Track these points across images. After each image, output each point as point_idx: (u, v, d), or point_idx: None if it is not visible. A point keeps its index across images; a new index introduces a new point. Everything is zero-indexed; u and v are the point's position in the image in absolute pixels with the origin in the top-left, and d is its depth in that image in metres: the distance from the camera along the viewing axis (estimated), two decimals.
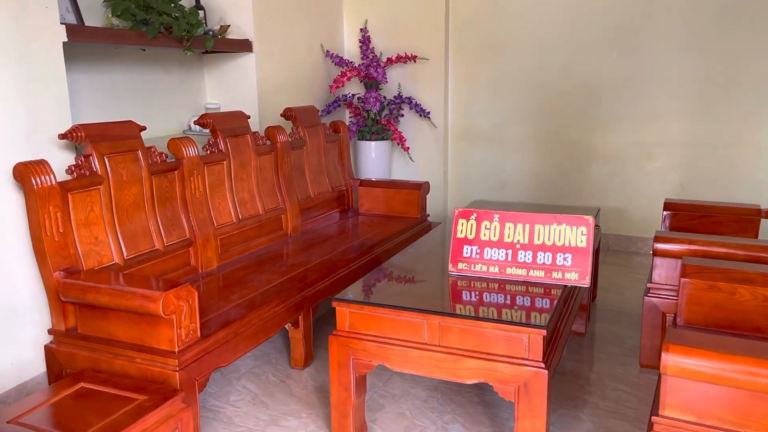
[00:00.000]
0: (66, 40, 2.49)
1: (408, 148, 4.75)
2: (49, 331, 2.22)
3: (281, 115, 3.72)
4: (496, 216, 2.31)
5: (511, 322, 1.90)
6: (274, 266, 2.93)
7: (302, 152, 3.72)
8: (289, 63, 4.21)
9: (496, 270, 2.28)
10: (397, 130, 4.71)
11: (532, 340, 1.88)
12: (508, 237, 2.29)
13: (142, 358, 2.05)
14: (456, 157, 4.94)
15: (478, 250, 2.30)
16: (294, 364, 2.76)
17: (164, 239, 2.66)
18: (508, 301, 2.11)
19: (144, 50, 3.43)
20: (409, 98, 4.71)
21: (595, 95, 4.45)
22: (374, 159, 4.72)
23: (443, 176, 4.92)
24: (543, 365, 1.88)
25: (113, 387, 1.87)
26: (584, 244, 2.22)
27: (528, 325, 1.88)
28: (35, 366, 2.37)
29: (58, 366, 2.20)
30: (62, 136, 2.32)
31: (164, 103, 3.66)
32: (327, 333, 3.02)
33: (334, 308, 2.12)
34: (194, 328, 2.09)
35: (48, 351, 2.21)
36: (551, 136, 4.62)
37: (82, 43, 2.70)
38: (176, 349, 2.02)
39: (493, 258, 2.29)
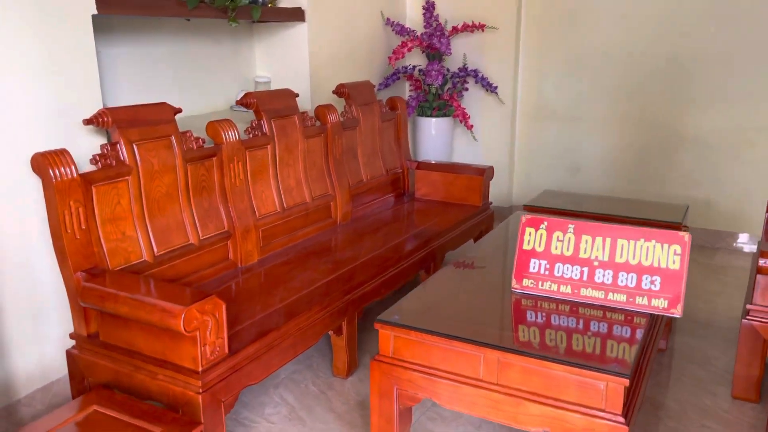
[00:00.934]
0: (95, 12, 2.27)
1: (471, 126, 4.38)
2: (71, 336, 2.05)
3: (333, 92, 3.43)
4: (571, 226, 1.97)
5: (586, 366, 1.58)
6: (319, 261, 2.69)
7: (355, 133, 3.43)
8: (344, 33, 3.90)
9: (568, 290, 1.95)
10: (460, 106, 4.34)
11: (611, 390, 1.56)
12: (585, 252, 1.94)
13: (164, 375, 1.85)
14: (524, 138, 4.54)
15: (548, 266, 1.97)
16: (336, 373, 2.53)
17: (200, 233, 2.45)
18: (582, 331, 1.79)
19: (189, 20, 3.19)
20: (474, 71, 4.32)
21: (686, 72, 3.93)
22: (434, 137, 4.39)
23: (509, 158, 4.53)
24: (623, 420, 1.56)
25: (127, 413, 1.67)
26: (677, 266, 1.85)
27: (607, 371, 1.56)
28: (60, 367, 2.22)
29: (80, 373, 2.04)
30: (87, 122, 2.12)
31: (212, 76, 3.42)
32: (372, 337, 2.78)
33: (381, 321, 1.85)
34: (221, 343, 1.87)
35: (70, 357, 2.05)
36: (633, 116, 4.15)
37: (114, 15, 2.48)
38: (200, 369, 1.81)
39: (565, 276, 1.95)
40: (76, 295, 1.97)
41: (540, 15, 4.30)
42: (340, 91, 3.42)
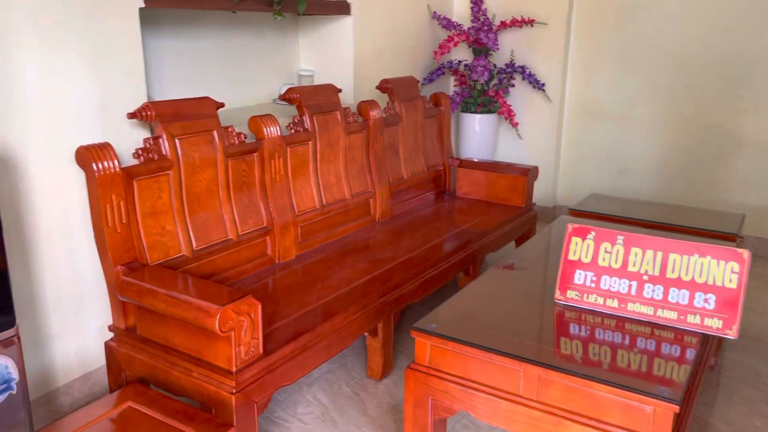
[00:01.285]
0: (143, 5, 2.27)
1: (517, 123, 4.28)
2: (110, 328, 2.07)
3: (377, 87, 3.38)
4: (620, 238, 1.88)
5: (632, 389, 1.50)
6: (356, 260, 2.65)
7: (397, 129, 3.38)
8: (390, 26, 3.84)
9: (615, 304, 1.86)
10: (506, 102, 4.24)
11: (659, 415, 1.48)
12: (634, 265, 1.85)
13: (199, 373, 1.85)
14: (571, 136, 4.41)
15: (594, 278, 1.89)
16: (370, 374, 2.50)
17: (239, 228, 2.44)
18: (628, 348, 1.71)
19: (234, 12, 3.18)
20: (522, 67, 4.21)
21: (744, 72, 3.75)
22: (478, 133, 4.30)
23: (555, 157, 4.41)
24: None
25: (161, 412, 1.67)
26: (734, 285, 1.75)
27: (655, 396, 1.48)
28: (99, 357, 2.25)
29: (117, 366, 2.06)
30: (131, 116, 2.12)
31: (255, 69, 3.41)
32: (408, 338, 2.74)
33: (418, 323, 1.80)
34: (256, 344, 1.85)
35: (108, 349, 2.07)
36: (687, 117, 3.98)
37: (162, 8, 2.48)
38: (234, 369, 1.79)
39: (612, 289, 1.87)
40: (115, 289, 1.98)
41: (591, 11, 4.15)
42: (384, 86, 3.37)
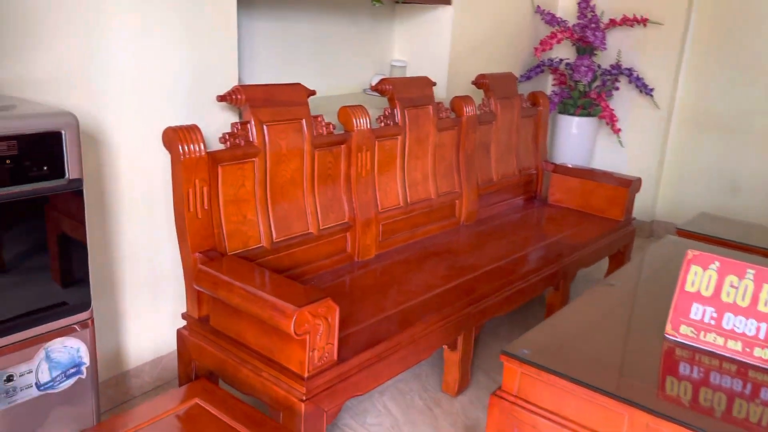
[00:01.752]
0: None
1: (619, 129, 3.98)
2: (183, 316, 2.01)
3: (473, 82, 3.20)
4: (751, 272, 1.63)
5: None
6: (438, 265, 2.50)
7: (491, 128, 3.19)
8: (490, 19, 3.64)
9: (738, 347, 1.62)
10: (608, 106, 3.95)
11: None
12: (766, 305, 1.61)
13: (269, 374, 1.76)
14: (677, 147, 4.07)
15: (715, 314, 1.66)
16: (445, 388, 2.35)
17: (320, 222, 2.34)
18: (750, 398, 1.47)
19: None
20: (629, 69, 3.91)
21: None
22: (575, 137, 4.04)
23: (657, 169, 4.08)
24: None
25: (228, 413, 1.58)
26: None
27: None
28: (171, 342, 2.21)
29: (188, 355, 2.00)
30: (221, 98, 2.05)
31: (347, 57, 3.31)
32: (489, 353, 2.56)
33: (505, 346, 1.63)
34: (330, 350, 1.74)
35: (180, 337, 2.02)
36: None
37: None
38: (306, 374, 1.69)
39: (736, 329, 1.63)
40: (191, 277, 1.92)
41: (715, 11, 3.79)
42: (480, 81, 3.19)
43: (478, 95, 3.23)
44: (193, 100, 2.13)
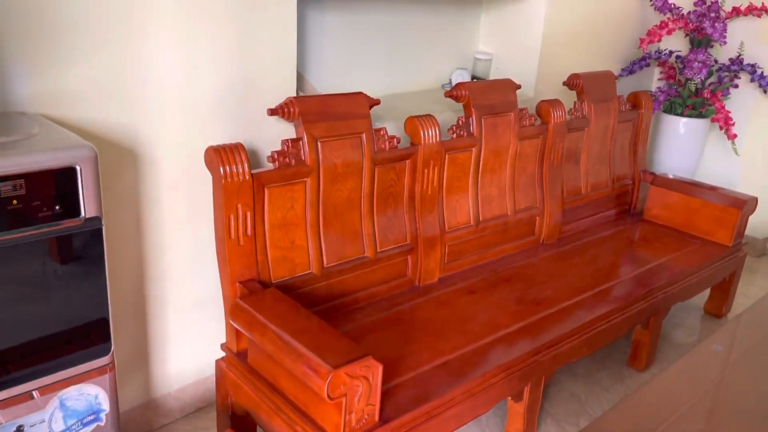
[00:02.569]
0: None
1: (734, 135, 3.49)
2: (222, 347, 1.87)
3: (564, 83, 2.85)
4: None
5: None
6: (508, 296, 2.24)
7: (582, 135, 2.84)
8: (591, 6, 3.24)
9: None
10: (723, 107, 3.46)
11: None
12: None
13: (303, 429, 1.58)
14: None
15: None
16: None
17: (378, 245, 2.13)
18: None
19: None
20: (752, 65, 3.39)
21: None
22: (680, 140, 3.59)
23: None
24: None
25: None
26: None
27: None
28: (213, 367, 2.09)
29: (225, 389, 1.87)
30: (271, 112, 1.86)
31: (426, 49, 3.03)
32: (560, 395, 2.27)
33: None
34: (371, 411, 1.54)
35: (218, 368, 1.89)
36: None
37: None
38: None
39: None
40: (228, 310, 1.77)
41: None
42: (573, 82, 2.83)
43: (569, 96, 2.88)
44: (244, 111, 1.96)
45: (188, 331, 2.04)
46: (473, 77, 3.21)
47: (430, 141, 2.18)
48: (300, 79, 2.43)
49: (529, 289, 2.32)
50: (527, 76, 3.09)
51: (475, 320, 2.08)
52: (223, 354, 1.89)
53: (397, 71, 2.94)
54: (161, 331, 1.97)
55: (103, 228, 1.37)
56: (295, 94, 2.08)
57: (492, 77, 3.27)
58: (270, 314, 1.65)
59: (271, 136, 2.00)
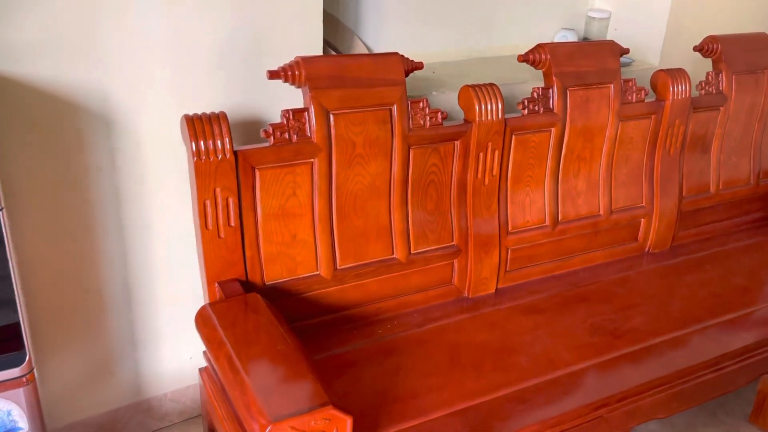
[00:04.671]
0: None
1: None
2: (204, 355, 1.58)
3: (696, 48, 2.20)
4: None
5: None
6: (581, 320, 1.74)
7: (716, 116, 2.20)
8: None
9: None
10: None
11: None
12: None
13: None
14: None
15: None
16: None
17: (411, 244, 1.72)
18: None
19: None
20: None
21: None
22: None
23: None
24: None
25: None
26: None
27: None
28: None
29: (204, 402, 1.58)
30: (272, 75, 1.49)
31: (521, 3, 2.50)
32: None
33: None
34: None
35: (201, 378, 1.60)
36: None
37: None
38: None
39: None
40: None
41: None
42: (708, 46, 2.18)
43: (702, 66, 2.23)
44: (253, 73, 1.62)
45: (186, 328, 1.78)
46: (584, 40, 2.64)
47: (489, 117, 1.71)
48: (348, 36, 2.05)
49: (613, 313, 1.79)
50: (652, 40, 2.47)
51: (527, 351, 1.61)
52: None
53: (482, 31, 2.45)
54: (151, 327, 1.73)
55: (3, 216, 1.10)
56: (321, 53, 1.71)
57: None
58: (233, 329, 1.32)
59: (281, 104, 1.65)
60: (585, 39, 2.67)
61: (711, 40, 2.18)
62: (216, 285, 1.46)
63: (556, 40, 2.56)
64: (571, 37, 2.56)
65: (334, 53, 1.92)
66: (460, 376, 1.51)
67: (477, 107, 1.70)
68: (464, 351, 1.61)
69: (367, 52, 2.09)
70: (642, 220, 2.12)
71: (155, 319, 1.72)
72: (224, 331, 1.30)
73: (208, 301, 1.47)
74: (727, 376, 1.68)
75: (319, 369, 1.46)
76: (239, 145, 1.45)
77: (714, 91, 2.17)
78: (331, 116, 1.52)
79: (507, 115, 1.77)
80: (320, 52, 1.71)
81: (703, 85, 2.15)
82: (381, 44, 2.22)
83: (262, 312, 1.38)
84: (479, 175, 1.76)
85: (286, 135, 1.49)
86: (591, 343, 1.66)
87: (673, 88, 2.03)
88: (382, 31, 2.20)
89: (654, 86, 2.07)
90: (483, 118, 1.70)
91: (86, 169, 1.51)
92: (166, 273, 1.70)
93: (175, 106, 1.54)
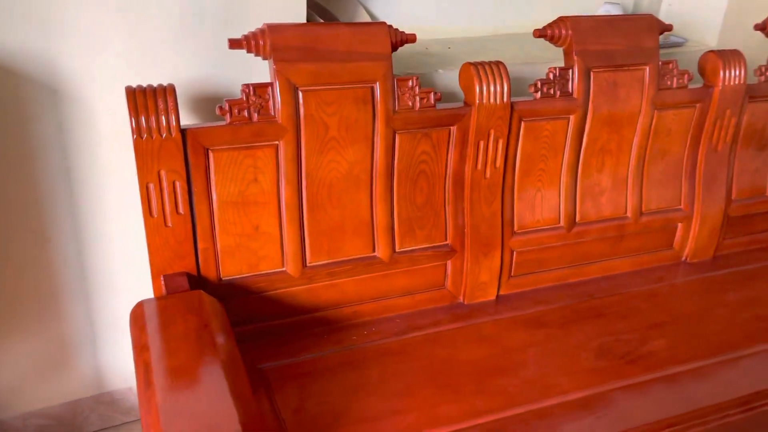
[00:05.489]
0: None
1: None
2: None
3: (757, 26, 1.89)
4: None
5: None
6: (590, 339, 1.51)
7: None
8: None
9: None
10: None
11: None
12: None
13: None
14: None
15: None
16: None
17: (396, 242, 1.52)
18: None
19: None
20: None
21: None
22: None
23: None
24: None
25: None
26: None
27: None
28: None
29: None
30: (233, 44, 1.31)
31: None
32: None
33: None
34: None
35: None
36: None
37: None
38: None
39: None
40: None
41: None
42: None
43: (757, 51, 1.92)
44: (224, 43, 1.44)
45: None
46: None
47: (492, 100, 1.48)
48: (352, 5, 1.85)
49: (629, 333, 1.55)
50: (711, 17, 2.16)
51: (518, 373, 1.40)
52: None
53: (514, 4, 2.20)
54: (111, 316, 1.61)
55: None
56: (305, 20, 1.52)
57: (663, 17, 2.36)
58: (161, 333, 1.16)
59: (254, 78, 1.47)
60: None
61: None
62: (161, 279, 1.31)
63: (600, 11, 2.27)
64: (616, 12, 2.26)
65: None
66: (434, 399, 1.31)
67: (477, 88, 1.47)
68: (445, 367, 1.40)
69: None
70: (679, 224, 1.84)
71: (115, 309, 1.60)
72: (151, 334, 1.15)
73: (154, 296, 1.33)
74: (759, 417, 1.40)
75: (268, 380, 1.30)
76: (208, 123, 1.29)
77: None
78: (300, 93, 1.33)
79: (516, 99, 1.53)
80: (303, 20, 1.52)
81: (764, 70, 1.84)
82: (393, 16, 2.00)
83: (201, 313, 1.22)
84: (479, 167, 1.53)
85: (246, 113, 1.31)
86: (596, 367, 1.42)
87: (725, 72, 1.73)
88: (396, 4, 1.99)
89: (702, 70, 1.77)
90: (484, 101, 1.48)
91: (30, 143, 1.38)
92: (125, 259, 1.56)
93: (135, 77, 1.39)
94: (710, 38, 2.19)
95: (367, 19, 1.88)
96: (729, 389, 1.38)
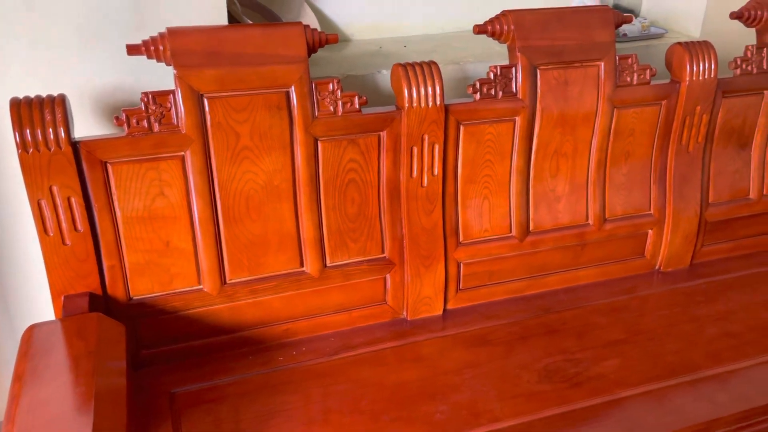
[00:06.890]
0: None
1: None
2: None
3: (733, 14, 1.73)
4: None
5: None
6: (537, 359, 1.39)
7: (758, 101, 1.74)
8: None
9: None
10: None
11: None
12: None
13: None
14: None
15: None
16: None
17: (327, 256, 1.43)
18: None
19: None
20: None
21: None
22: None
23: None
24: None
25: None
26: None
27: None
28: None
29: None
30: (131, 50, 1.23)
31: None
32: None
33: None
34: None
35: None
36: None
37: None
38: None
39: None
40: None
41: None
42: (749, 13, 1.71)
43: (736, 40, 1.76)
44: (130, 38, 1.37)
45: None
46: (616, 8, 2.20)
47: (422, 104, 1.38)
48: (296, 3, 1.76)
49: (582, 352, 1.42)
50: (693, 6, 2.01)
51: (449, 398, 1.29)
52: None
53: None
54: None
55: None
56: (226, 23, 1.43)
57: (645, 8, 2.23)
58: (40, 360, 1.09)
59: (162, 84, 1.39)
60: (616, 6, 2.25)
61: (756, 5, 1.70)
62: (61, 300, 1.24)
63: (575, 1, 2.14)
64: (592, 4, 2.13)
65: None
66: (350, 427, 1.21)
67: (406, 90, 1.36)
68: (371, 391, 1.30)
69: (316, 21, 1.79)
70: (650, 231, 1.71)
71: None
72: (30, 362, 1.08)
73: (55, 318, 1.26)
74: None
75: (178, 406, 1.22)
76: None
77: (755, 71, 1.69)
78: (205, 100, 1.25)
79: (453, 101, 1.42)
80: (224, 22, 1.43)
81: (740, 62, 1.68)
82: (345, 14, 1.91)
83: (90, 338, 1.14)
84: (415, 174, 1.43)
85: (145, 123, 1.23)
86: (537, 391, 1.31)
87: (692, 66, 1.59)
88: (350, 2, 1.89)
89: (668, 64, 1.64)
90: (414, 104, 1.37)
91: None
92: (34, 280, 1.50)
93: (39, 87, 1.32)
94: (693, 29, 2.04)
95: (313, 18, 1.79)
96: (681, 416, 1.25)
